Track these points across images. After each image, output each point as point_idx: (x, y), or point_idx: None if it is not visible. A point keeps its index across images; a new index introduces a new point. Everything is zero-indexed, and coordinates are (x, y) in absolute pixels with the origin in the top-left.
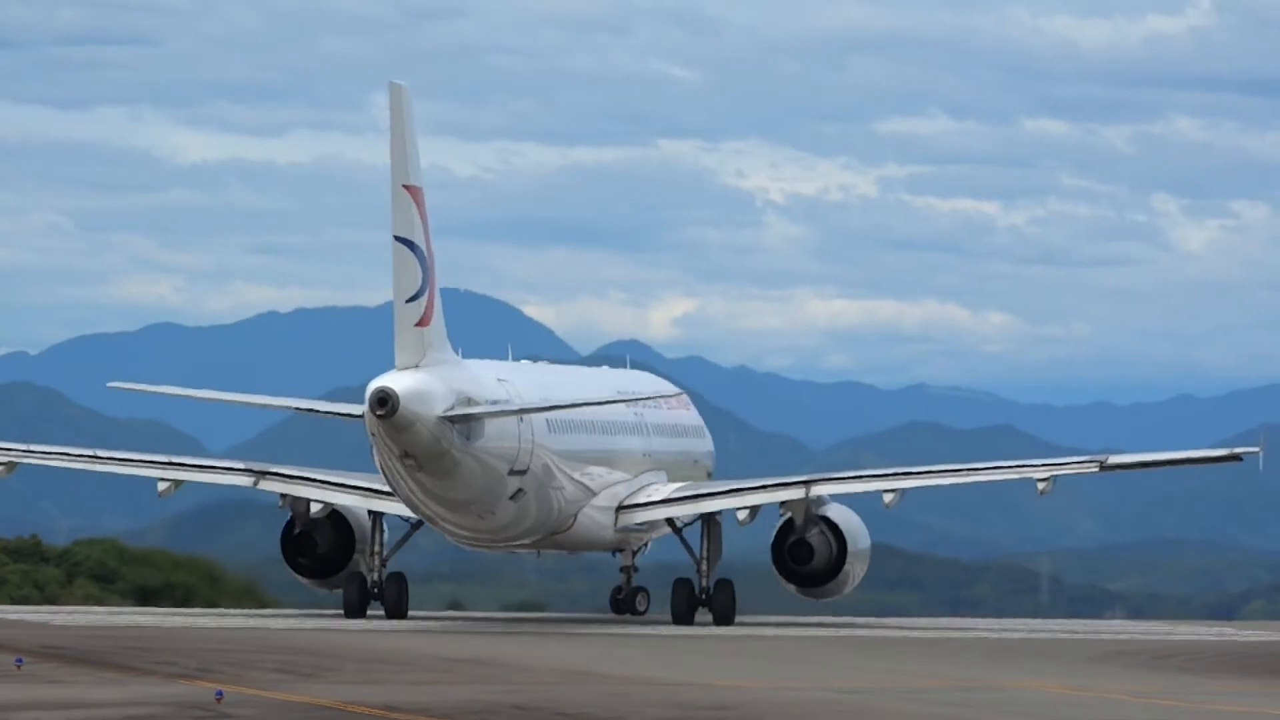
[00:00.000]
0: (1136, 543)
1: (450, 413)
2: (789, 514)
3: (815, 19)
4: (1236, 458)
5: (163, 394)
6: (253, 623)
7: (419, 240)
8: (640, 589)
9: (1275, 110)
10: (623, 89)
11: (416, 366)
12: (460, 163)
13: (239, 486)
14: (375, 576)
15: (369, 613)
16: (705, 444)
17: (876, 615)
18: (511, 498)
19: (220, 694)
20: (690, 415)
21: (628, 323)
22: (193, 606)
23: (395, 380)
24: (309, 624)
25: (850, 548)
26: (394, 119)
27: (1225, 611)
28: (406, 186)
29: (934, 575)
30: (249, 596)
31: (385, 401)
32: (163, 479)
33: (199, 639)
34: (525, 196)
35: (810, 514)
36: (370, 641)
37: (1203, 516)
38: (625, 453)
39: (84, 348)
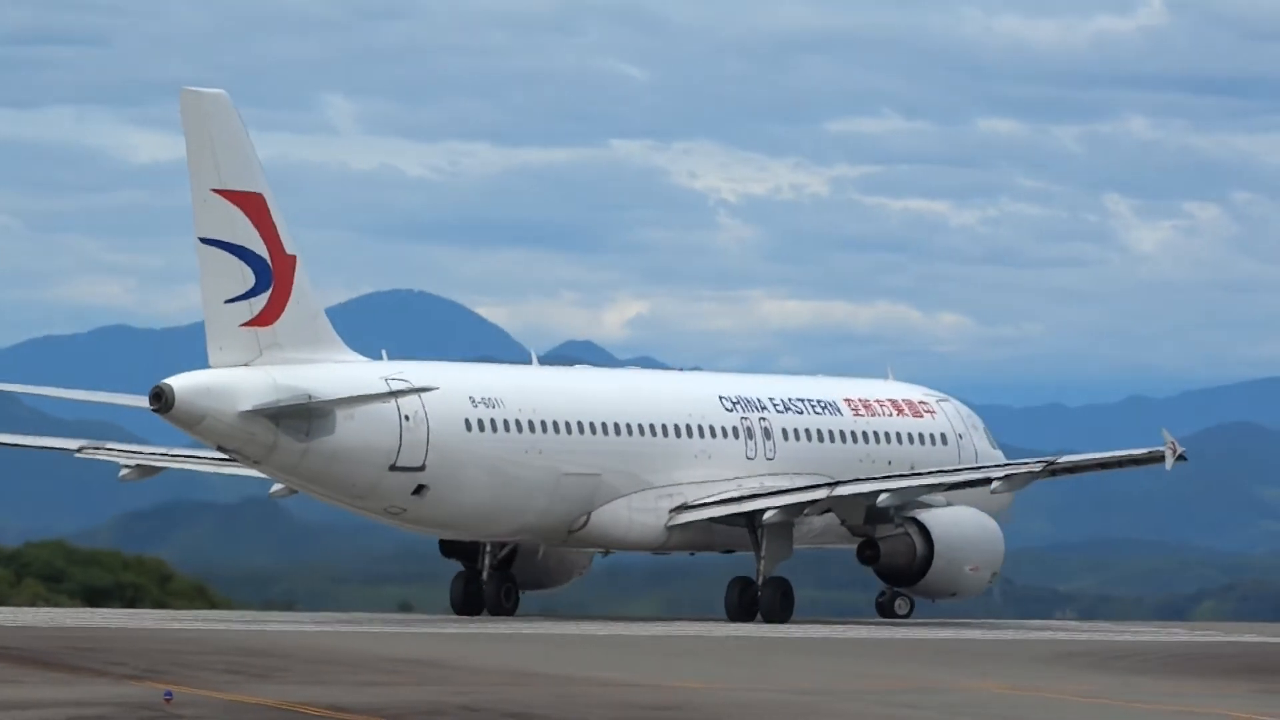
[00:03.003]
0: (1087, 543)
1: (264, 408)
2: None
3: (766, 19)
4: (1158, 458)
5: (44, 395)
6: (202, 623)
7: (252, 244)
8: (901, 593)
9: (1226, 110)
10: (573, 89)
11: (247, 364)
12: (410, 163)
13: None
14: (484, 574)
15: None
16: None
17: (830, 615)
18: (414, 493)
19: (169, 694)
20: (896, 422)
21: (580, 323)
22: (142, 607)
23: (181, 377)
24: (259, 625)
25: (939, 547)
26: (191, 125)
27: (1176, 612)
28: (234, 191)
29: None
30: (199, 597)
31: (159, 397)
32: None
33: (148, 639)
34: (476, 197)
35: (877, 513)
36: (320, 642)
37: (1154, 517)
38: (691, 454)
39: (34, 350)
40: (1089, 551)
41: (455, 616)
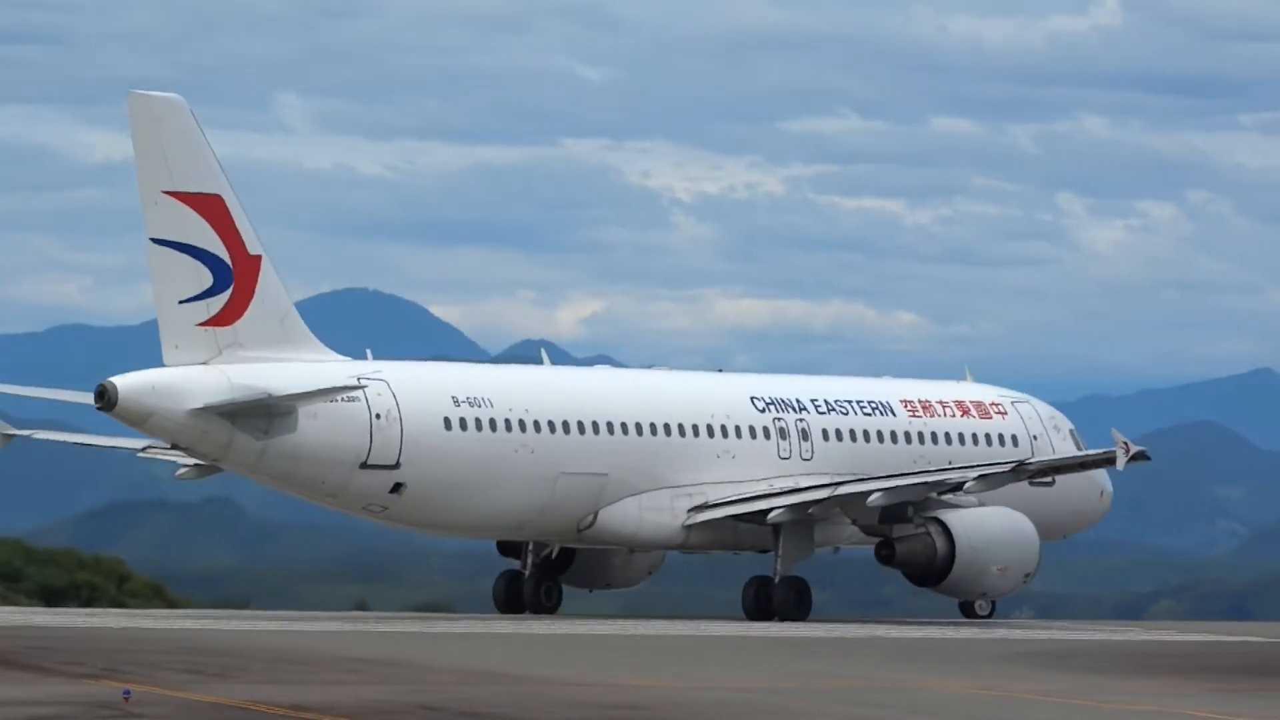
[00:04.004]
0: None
1: (216, 406)
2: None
3: (721, 18)
4: (1110, 460)
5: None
6: (160, 622)
7: (210, 245)
8: (983, 593)
9: (1182, 109)
10: (527, 88)
11: (205, 363)
12: (365, 162)
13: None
14: (526, 572)
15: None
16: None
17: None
18: (393, 491)
19: (128, 693)
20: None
21: (536, 322)
22: (99, 606)
23: (126, 376)
24: (217, 624)
25: (960, 547)
26: (139, 128)
27: (1133, 611)
28: (188, 193)
29: (844, 575)
30: (156, 596)
31: (103, 395)
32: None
33: (106, 638)
34: (430, 195)
35: (895, 513)
36: (278, 641)
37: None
38: (713, 454)
39: None
40: (1046, 550)
41: (415, 614)
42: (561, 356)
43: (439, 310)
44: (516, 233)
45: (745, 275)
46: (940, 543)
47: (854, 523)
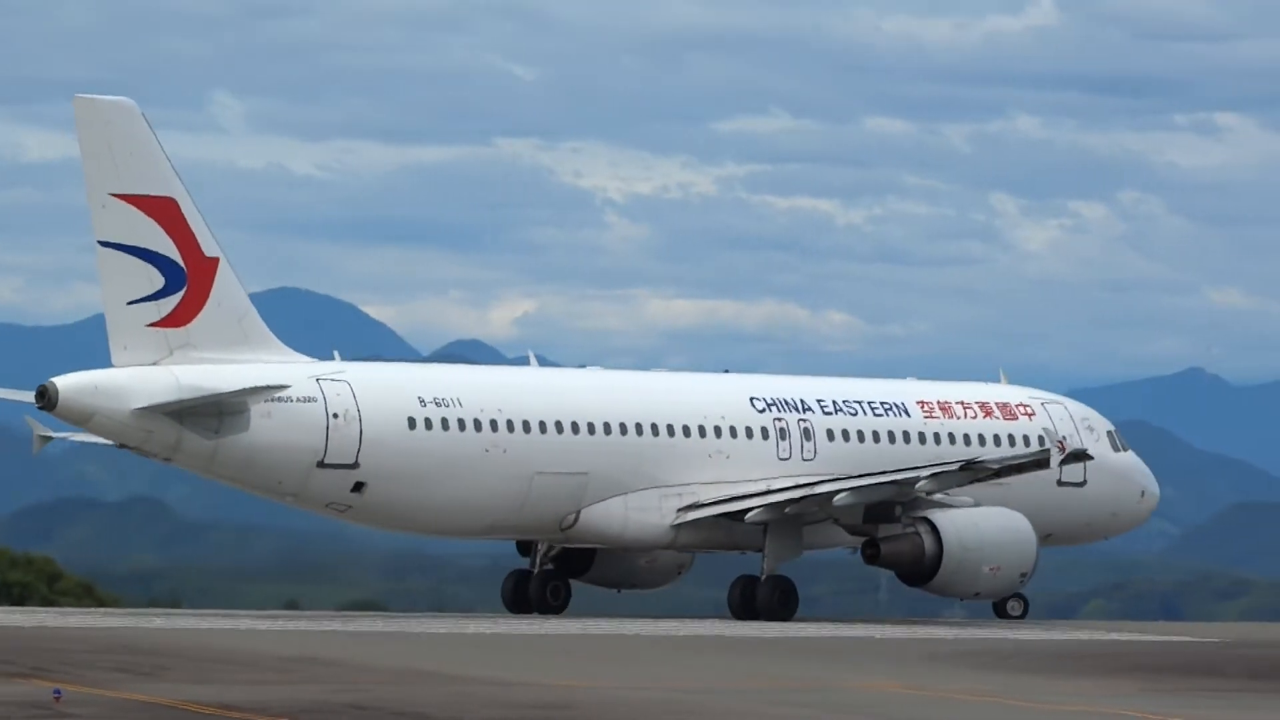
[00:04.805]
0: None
1: (162, 406)
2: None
3: (654, 17)
4: (1044, 461)
5: None
6: (91, 621)
7: (161, 246)
8: (1016, 594)
9: (1115, 109)
10: (460, 87)
11: (155, 364)
12: (298, 161)
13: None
14: (536, 571)
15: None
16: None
17: (715, 615)
18: (355, 490)
19: (59, 693)
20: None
21: (469, 322)
22: (30, 605)
23: (68, 376)
24: (148, 623)
25: (949, 547)
26: (86, 131)
27: (1065, 611)
28: (138, 196)
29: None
30: (87, 595)
31: (43, 395)
32: None
33: (37, 638)
34: (363, 195)
35: (881, 512)
36: (209, 640)
37: None
38: (705, 454)
39: None
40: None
41: (347, 613)
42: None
43: (371, 310)
44: (449, 232)
45: (678, 275)
46: (929, 542)
47: (837, 522)
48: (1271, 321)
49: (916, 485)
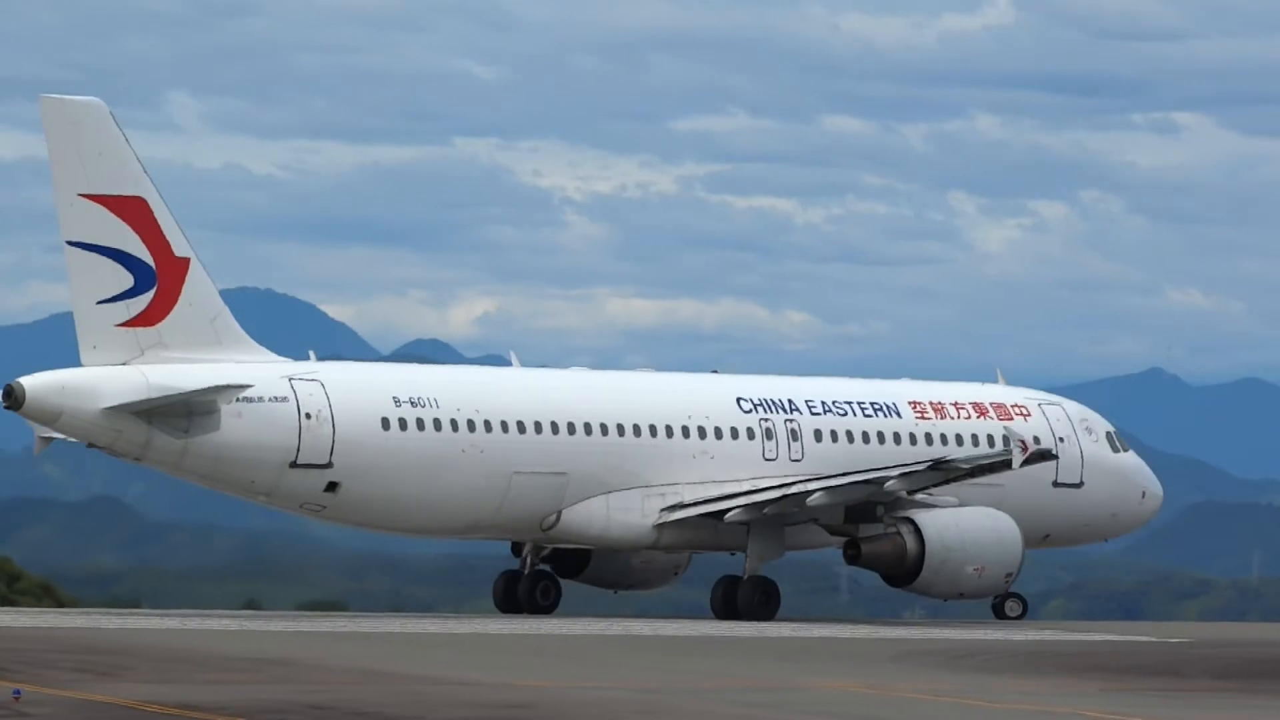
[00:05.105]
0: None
1: (130, 405)
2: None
3: (614, 17)
4: (1005, 461)
5: None
6: (51, 621)
7: (130, 246)
8: (1014, 594)
9: (1073, 109)
10: (419, 87)
11: (125, 364)
12: (256, 161)
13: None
14: (526, 571)
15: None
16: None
17: (677, 614)
18: (328, 490)
19: (18, 693)
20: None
21: (429, 322)
22: None
23: (35, 375)
24: (107, 623)
25: (931, 547)
26: (53, 131)
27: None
28: (107, 196)
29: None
30: (46, 595)
31: (10, 394)
32: None
33: None
34: (322, 195)
35: (863, 513)
36: (168, 640)
37: None
38: (688, 455)
39: None
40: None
41: (306, 613)
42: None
43: (331, 310)
44: (409, 232)
45: (637, 275)
46: (911, 542)
47: (816, 522)
48: (1231, 322)
49: (885, 485)
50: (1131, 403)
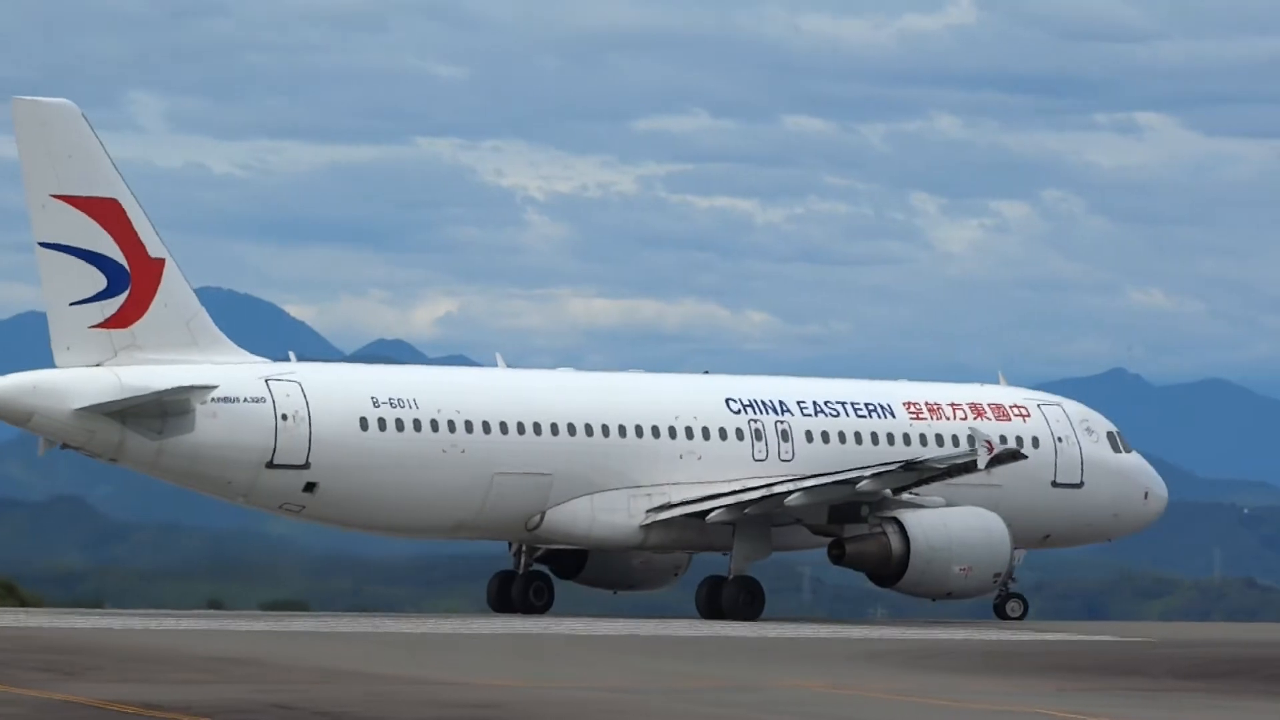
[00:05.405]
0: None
1: (103, 406)
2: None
3: (576, 17)
4: (970, 463)
5: None
6: (14, 620)
7: (104, 248)
8: (1015, 595)
9: (1035, 109)
10: (380, 86)
11: (99, 365)
12: (217, 161)
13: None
14: (520, 571)
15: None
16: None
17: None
18: (306, 490)
19: None
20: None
21: (390, 322)
22: None
23: (8, 376)
24: (70, 622)
25: (916, 547)
26: (24, 133)
27: (988, 611)
28: (80, 197)
29: (695, 575)
30: (10, 595)
31: None
32: None
33: None
34: (283, 195)
35: (847, 513)
36: (131, 640)
37: None
38: (675, 455)
39: None
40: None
41: (270, 612)
42: (416, 356)
43: (293, 309)
44: (370, 232)
45: (598, 274)
46: (896, 542)
47: (799, 522)
48: (1192, 321)
49: (857, 486)
50: (1093, 403)
